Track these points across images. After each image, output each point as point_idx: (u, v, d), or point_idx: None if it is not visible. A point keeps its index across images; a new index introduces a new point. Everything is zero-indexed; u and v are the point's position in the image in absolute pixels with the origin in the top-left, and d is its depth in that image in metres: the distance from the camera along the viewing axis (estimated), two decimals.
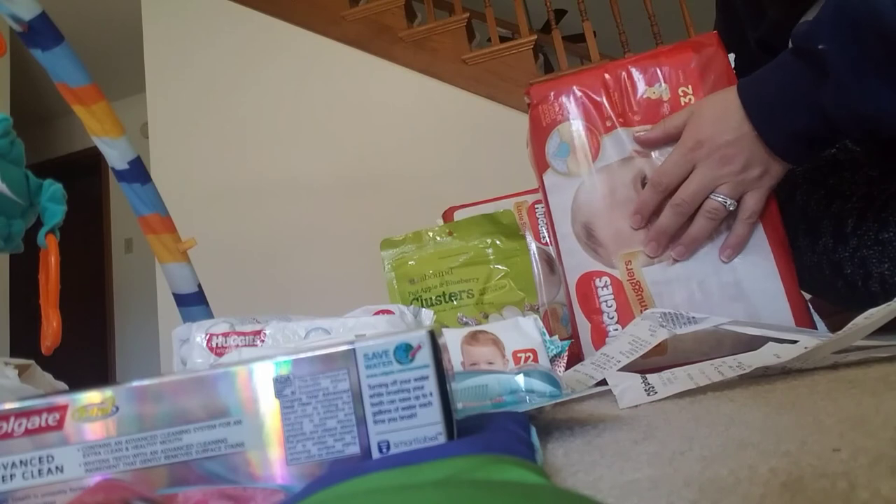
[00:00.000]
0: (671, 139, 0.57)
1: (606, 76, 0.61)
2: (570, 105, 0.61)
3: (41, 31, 1.23)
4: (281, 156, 2.58)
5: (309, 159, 2.53)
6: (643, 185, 0.59)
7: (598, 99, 0.61)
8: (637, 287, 0.58)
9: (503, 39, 2.46)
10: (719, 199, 0.55)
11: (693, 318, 0.51)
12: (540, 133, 0.62)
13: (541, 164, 0.62)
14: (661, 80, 0.60)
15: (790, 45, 0.53)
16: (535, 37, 2.38)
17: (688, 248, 0.57)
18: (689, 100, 0.59)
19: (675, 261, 0.57)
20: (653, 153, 0.59)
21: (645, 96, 0.60)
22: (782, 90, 0.52)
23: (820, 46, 0.49)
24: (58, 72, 1.27)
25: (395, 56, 2.47)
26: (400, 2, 2.50)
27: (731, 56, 0.60)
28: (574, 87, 0.62)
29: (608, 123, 0.60)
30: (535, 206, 0.83)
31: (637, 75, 0.61)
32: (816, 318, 0.56)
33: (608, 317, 0.58)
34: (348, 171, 2.47)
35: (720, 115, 0.55)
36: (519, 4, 2.46)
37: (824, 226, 0.66)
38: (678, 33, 2.48)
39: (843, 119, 0.49)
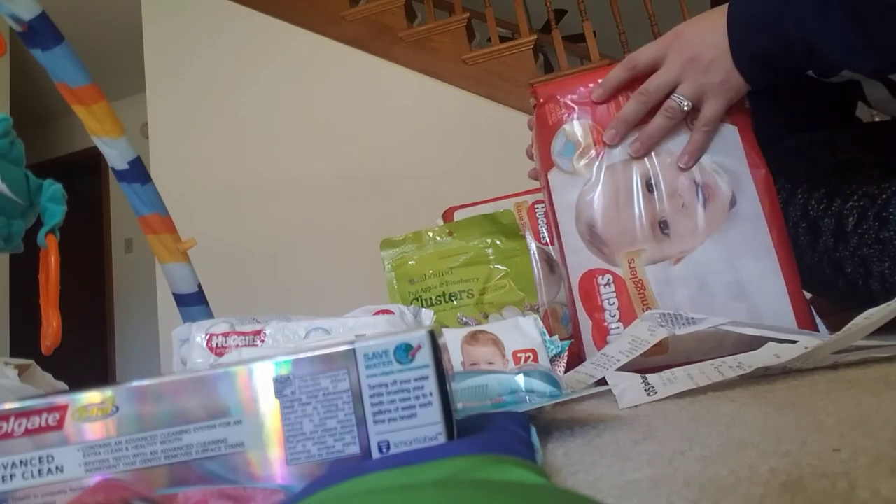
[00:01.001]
0: (631, 74, 0.59)
1: None
2: (577, 104, 0.62)
3: (41, 31, 1.23)
4: (281, 156, 2.58)
5: (309, 159, 2.53)
6: (647, 185, 0.59)
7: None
8: (640, 286, 0.58)
9: (503, 39, 2.46)
10: (677, 98, 0.57)
11: (692, 318, 0.51)
12: (546, 132, 0.62)
13: (546, 163, 0.62)
14: None
15: None
16: (535, 37, 2.38)
17: (643, 145, 0.58)
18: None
19: (678, 260, 0.57)
20: (653, 155, 0.59)
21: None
22: (761, 10, 0.56)
23: None
24: (58, 72, 1.27)
25: (395, 56, 2.47)
26: (400, 2, 2.50)
27: None
28: (580, 87, 0.62)
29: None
30: (536, 206, 0.83)
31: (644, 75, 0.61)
32: (816, 318, 0.56)
33: (610, 315, 0.58)
34: (348, 171, 2.47)
35: (709, 17, 0.58)
36: (519, 4, 2.46)
37: (825, 224, 0.66)
38: None
39: (797, 42, 0.53)
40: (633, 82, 0.60)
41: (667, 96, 0.58)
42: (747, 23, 0.56)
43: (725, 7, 0.58)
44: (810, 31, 0.53)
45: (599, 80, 0.61)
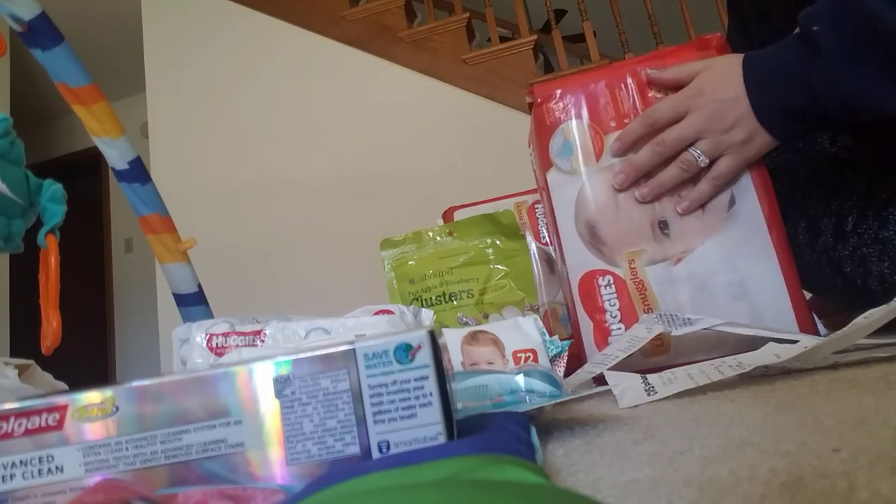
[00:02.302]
0: (679, 85, 0.58)
1: (611, 76, 0.62)
2: (575, 104, 0.62)
3: (41, 31, 1.23)
4: (281, 156, 2.58)
5: (309, 159, 2.53)
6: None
7: (603, 98, 0.61)
8: (640, 286, 0.58)
9: (503, 39, 2.46)
10: (695, 153, 0.56)
11: (688, 319, 0.51)
12: (544, 132, 0.62)
13: (544, 163, 0.62)
14: None
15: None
16: (535, 37, 2.38)
17: (652, 192, 0.58)
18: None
19: (679, 260, 0.57)
20: None
21: (651, 95, 0.60)
22: (778, 65, 0.55)
23: (815, 28, 0.52)
24: (58, 72, 1.27)
25: (395, 56, 2.47)
26: (400, 2, 2.50)
27: None
28: (578, 87, 0.62)
29: (612, 123, 0.60)
30: (535, 206, 0.83)
31: (643, 75, 0.61)
32: (815, 318, 0.56)
33: (611, 315, 0.58)
34: (348, 171, 2.47)
35: (727, 73, 0.57)
36: (519, 4, 2.46)
37: (824, 224, 0.66)
38: (678, 33, 2.48)
39: (829, 97, 0.52)
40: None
41: (684, 149, 0.57)
42: (767, 80, 0.55)
43: (739, 59, 0.57)
44: (843, 84, 0.51)
45: (618, 137, 0.59)
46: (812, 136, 0.61)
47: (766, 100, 0.55)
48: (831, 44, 0.51)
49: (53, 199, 0.71)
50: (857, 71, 0.50)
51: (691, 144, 0.57)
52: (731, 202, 0.57)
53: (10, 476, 0.24)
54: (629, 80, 0.61)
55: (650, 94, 0.60)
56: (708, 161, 0.56)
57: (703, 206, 0.57)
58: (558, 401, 0.35)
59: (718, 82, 0.56)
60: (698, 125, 0.56)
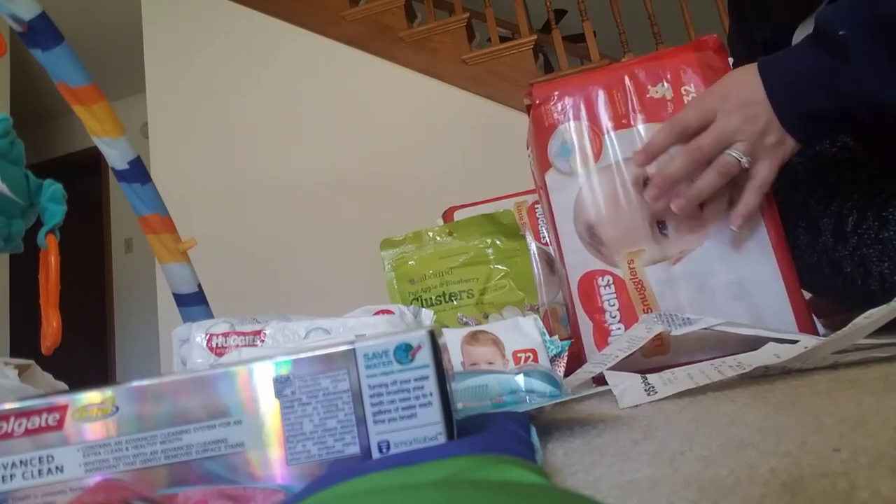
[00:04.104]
0: (680, 137, 0.56)
1: (609, 77, 0.62)
2: (573, 105, 0.62)
3: (41, 31, 1.23)
4: (281, 156, 2.58)
5: (309, 159, 2.53)
6: (645, 185, 0.59)
7: (601, 100, 0.61)
8: (640, 286, 0.58)
9: (503, 39, 2.46)
10: (735, 154, 0.53)
11: (688, 318, 0.51)
12: (542, 133, 0.62)
13: (543, 164, 0.62)
14: (664, 80, 0.60)
15: (813, 28, 0.54)
16: (535, 37, 2.38)
17: (689, 203, 0.55)
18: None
19: (678, 260, 0.57)
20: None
21: (648, 96, 0.60)
22: (799, 71, 0.53)
23: (840, 32, 0.50)
24: (58, 72, 1.27)
25: (395, 56, 2.47)
26: (400, 2, 2.50)
27: (730, 60, 0.60)
28: (577, 88, 0.62)
29: (611, 123, 0.60)
30: (535, 206, 0.83)
31: (640, 75, 0.61)
32: (814, 318, 0.56)
33: (611, 316, 0.58)
34: (348, 171, 2.47)
35: (747, 79, 0.55)
36: (519, 4, 2.46)
37: (824, 224, 0.66)
38: (678, 33, 2.48)
39: (856, 103, 0.51)
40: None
41: (720, 153, 0.54)
42: (788, 86, 0.54)
43: (753, 68, 0.55)
44: (873, 88, 0.50)
45: (642, 149, 0.58)
46: (836, 134, 0.59)
47: (789, 106, 0.53)
48: (858, 47, 0.49)
49: (53, 199, 0.71)
50: (888, 74, 0.49)
51: (727, 148, 0.54)
52: (730, 203, 0.57)
53: (10, 476, 0.24)
54: (627, 82, 0.61)
55: (647, 96, 0.60)
56: (749, 161, 0.54)
57: (702, 205, 0.57)
58: (558, 401, 0.35)
59: (741, 87, 0.54)
60: (734, 127, 0.54)
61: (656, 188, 0.56)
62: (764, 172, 0.54)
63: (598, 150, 0.60)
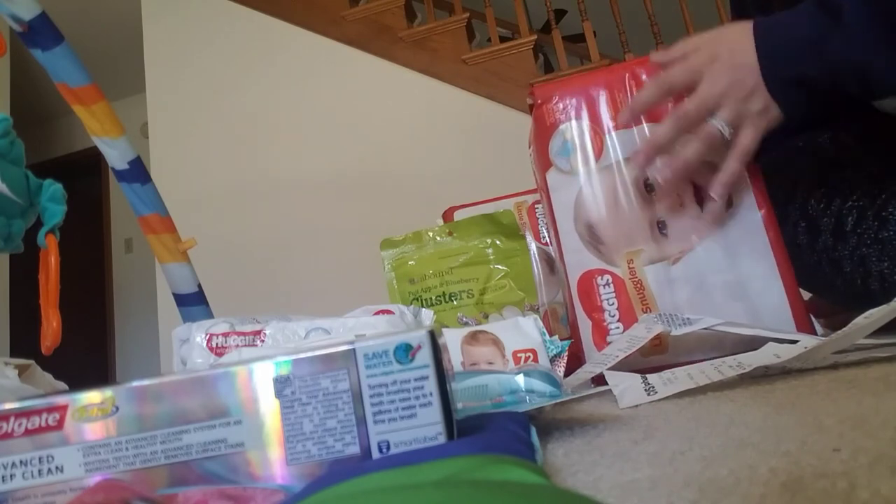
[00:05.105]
0: (666, 95, 0.57)
1: (611, 76, 0.62)
2: (575, 105, 0.62)
3: (41, 31, 1.23)
4: (281, 156, 2.58)
5: (309, 159, 2.53)
6: (646, 185, 0.59)
7: (603, 99, 0.61)
8: (639, 286, 0.58)
9: (503, 39, 2.46)
10: (717, 124, 0.54)
11: (687, 319, 0.51)
12: (543, 132, 0.62)
13: (544, 163, 0.62)
14: None
15: None
16: (535, 37, 2.38)
17: (673, 171, 0.55)
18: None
19: (677, 260, 0.57)
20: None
21: None
22: (792, 33, 0.53)
23: None
24: (58, 72, 1.27)
25: (395, 56, 2.47)
26: (400, 2, 2.50)
27: None
28: (578, 88, 0.62)
29: (612, 124, 0.61)
30: (535, 206, 0.83)
31: (641, 75, 0.61)
32: (812, 319, 0.56)
33: (609, 315, 0.58)
34: (348, 171, 2.47)
35: (739, 39, 0.55)
36: (519, 4, 2.46)
37: (824, 224, 0.66)
38: (678, 33, 2.47)
39: (845, 69, 0.51)
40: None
41: (704, 120, 0.55)
42: (779, 48, 0.53)
43: (748, 26, 0.55)
44: (861, 54, 0.50)
45: (629, 106, 0.58)
46: (816, 114, 0.59)
47: (778, 70, 0.53)
48: (853, 13, 0.49)
49: (53, 199, 0.71)
50: (878, 41, 0.49)
51: (712, 114, 0.54)
52: (729, 202, 0.57)
53: (10, 476, 0.24)
54: (628, 82, 0.61)
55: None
56: (731, 132, 0.54)
57: (701, 204, 0.57)
58: (558, 401, 0.35)
59: (732, 47, 0.54)
60: (718, 91, 0.53)
61: (642, 153, 0.56)
62: (745, 140, 0.54)
63: (599, 149, 0.60)
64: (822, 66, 0.51)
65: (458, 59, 2.39)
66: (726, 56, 0.54)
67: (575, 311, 0.60)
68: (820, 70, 0.52)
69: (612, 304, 0.58)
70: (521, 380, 0.37)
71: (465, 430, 0.25)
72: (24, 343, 1.77)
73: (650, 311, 0.57)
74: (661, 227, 0.58)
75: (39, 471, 0.24)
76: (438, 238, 0.80)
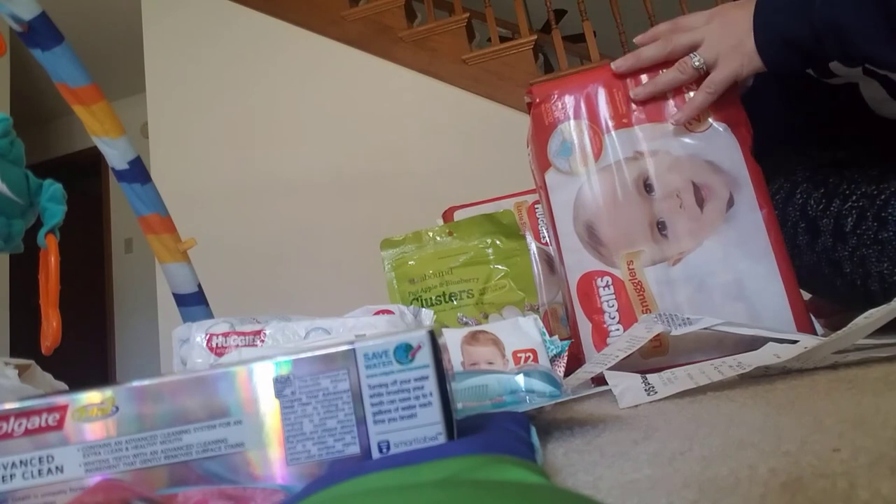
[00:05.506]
0: (669, 57, 0.61)
1: (610, 76, 0.62)
2: (573, 104, 0.62)
3: (41, 31, 1.23)
4: (281, 155, 2.58)
5: (309, 159, 2.53)
6: (645, 185, 0.59)
7: (602, 99, 0.61)
8: (639, 287, 0.57)
9: (503, 39, 2.46)
10: (694, 57, 0.60)
11: (688, 319, 0.51)
12: (542, 132, 0.62)
13: (542, 163, 0.62)
14: None
15: None
16: (535, 37, 2.38)
17: (646, 91, 0.60)
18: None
19: (677, 261, 0.57)
20: (651, 155, 0.59)
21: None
22: (784, 5, 0.58)
23: None
24: (58, 72, 1.27)
25: (395, 56, 2.47)
26: (400, 2, 2.49)
27: None
28: (577, 87, 0.62)
29: (611, 123, 0.60)
30: (535, 206, 0.83)
31: (640, 75, 0.61)
32: (812, 319, 0.56)
33: (609, 317, 0.58)
34: (348, 170, 2.47)
35: (740, 5, 0.60)
36: (519, 4, 2.46)
37: (824, 225, 0.66)
38: None
39: (826, 32, 0.55)
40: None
41: (685, 54, 0.60)
42: (773, 8, 0.58)
43: (750, 9, 0.59)
44: (843, 19, 0.54)
45: (646, 34, 0.63)
46: (792, 70, 0.63)
47: (766, 24, 0.58)
48: None
49: (53, 199, 0.71)
50: (857, 7, 0.52)
51: (693, 50, 0.60)
52: (730, 203, 0.57)
53: (10, 476, 0.24)
54: (627, 81, 0.61)
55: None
56: (704, 65, 0.59)
57: (701, 205, 0.57)
58: (558, 401, 0.35)
59: (732, 12, 0.60)
60: (711, 38, 0.59)
61: (626, 60, 0.61)
62: (717, 75, 0.59)
63: (598, 149, 0.60)
64: (804, 26, 0.56)
65: (458, 58, 2.39)
66: (724, 17, 0.60)
67: (575, 312, 0.60)
68: (802, 30, 0.56)
69: (612, 305, 0.58)
70: (521, 380, 0.37)
71: (465, 430, 0.25)
72: (24, 343, 1.77)
73: (650, 312, 0.56)
74: (660, 227, 0.58)
75: (39, 471, 0.24)
76: (438, 238, 0.80)
